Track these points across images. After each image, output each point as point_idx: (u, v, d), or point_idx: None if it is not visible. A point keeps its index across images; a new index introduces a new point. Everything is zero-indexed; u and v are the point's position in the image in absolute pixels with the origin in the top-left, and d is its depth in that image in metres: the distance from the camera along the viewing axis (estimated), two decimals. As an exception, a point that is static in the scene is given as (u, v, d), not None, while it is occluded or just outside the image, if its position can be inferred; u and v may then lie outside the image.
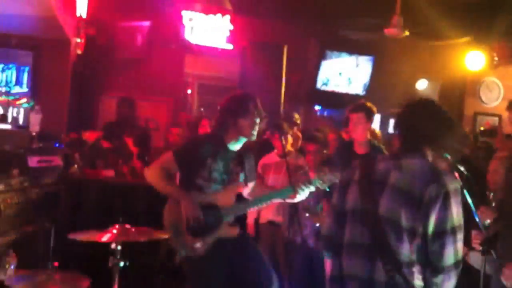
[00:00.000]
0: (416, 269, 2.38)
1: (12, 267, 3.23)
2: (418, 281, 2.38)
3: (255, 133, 3.72)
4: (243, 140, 3.75)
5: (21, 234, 4.37)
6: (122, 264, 3.10)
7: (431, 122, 2.53)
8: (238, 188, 3.77)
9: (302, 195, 3.78)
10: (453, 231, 2.34)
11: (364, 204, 2.50)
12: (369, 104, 4.61)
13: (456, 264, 2.36)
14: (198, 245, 3.52)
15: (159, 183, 3.59)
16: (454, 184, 2.40)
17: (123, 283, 3.12)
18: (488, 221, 4.14)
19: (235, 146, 3.75)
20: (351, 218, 2.54)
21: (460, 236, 2.36)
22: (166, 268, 4.96)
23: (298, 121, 6.59)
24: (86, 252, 4.16)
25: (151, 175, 3.62)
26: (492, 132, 6.89)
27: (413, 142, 2.51)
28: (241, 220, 5.20)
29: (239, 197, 3.87)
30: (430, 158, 2.49)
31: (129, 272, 3.15)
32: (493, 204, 4.21)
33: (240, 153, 3.80)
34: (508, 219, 4.00)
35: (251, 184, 3.90)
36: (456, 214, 2.36)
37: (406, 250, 2.37)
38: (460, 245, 2.36)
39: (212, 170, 3.63)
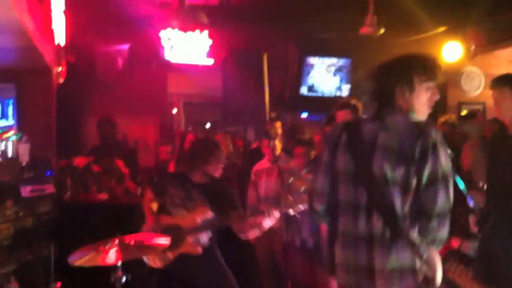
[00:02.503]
0: (411, 222, 2.51)
1: (15, 294, 3.23)
2: (414, 233, 2.51)
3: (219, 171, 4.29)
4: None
5: (21, 263, 4.38)
6: (124, 279, 3.12)
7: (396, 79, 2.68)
8: (203, 213, 4.09)
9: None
10: (444, 177, 2.48)
11: (357, 166, 2.61)
12: (354, 101, 4.67)
13: (448, 210, 2.50)
14: (158, 259, 3.98)
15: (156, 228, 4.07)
16: (438, 134, 2.53)
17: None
18: (480, 204, 4.22)
19: (201, 180, 4.25)
20: (343, 179, 2.66)
21: (450, 182, 2.50)
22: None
23: (279, 130, 6.58)
24: (87, 271, 4.16)
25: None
26: (471, 114, 6.95)
27: (387, 99, 2.65)
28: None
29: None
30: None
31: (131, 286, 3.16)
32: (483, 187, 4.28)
33: (209, 184, 4.27)
34: (494, 200, 4.09)
35: (235, 214, 4.25)
36: (444, 161, 2.49)
37: (401, 205, 2.50)
38: (451, 190, 2.50)
39: (173, 196, 4.18)
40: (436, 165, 2.47)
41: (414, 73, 2.66)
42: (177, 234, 4.01)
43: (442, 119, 6.17)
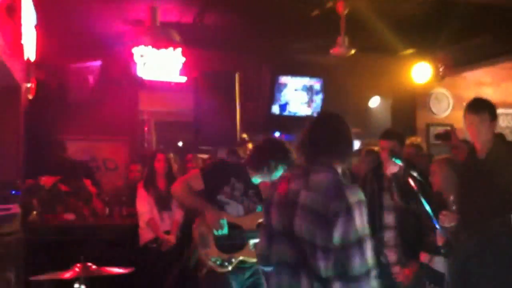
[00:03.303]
0: (336, 283, 2.42)
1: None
2: None
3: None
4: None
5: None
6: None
7: (330, 134, 2.65)
8: (259, 217, 3.82)
9: None
10: (359, 241, 2.41)
11: (283, 225, 2.59)
12: None
13: (366, 272, 2.41)
14: (226, 261, 3.88)
15: (186, 196, 4.10)
16: (356, 196, 2.47)
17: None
18: (452, 224, 4.26)
19: (256, 180, 3.96)
20: (276, 238, 2.63)
21: (367, 244, 2.44)
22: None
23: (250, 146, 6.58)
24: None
25: (178, 190, 4.13)
26: (446, 135, 7.05)
27: (315, 154, 2.61)
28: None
29: None
30: (339, 170, 2.60)
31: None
32: (453, 208, 4.32)
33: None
34: (466, 224, 4.12)
35: None
36: (360, 225, 2.43)
37: (324, 266, 2.43)
38: (368, 253, 2.44)
39: (234, 188, 4.03)
40: (350, 229, 2.40)
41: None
42: (240, 235, 3.92)
43: (408, 140, 6.24)
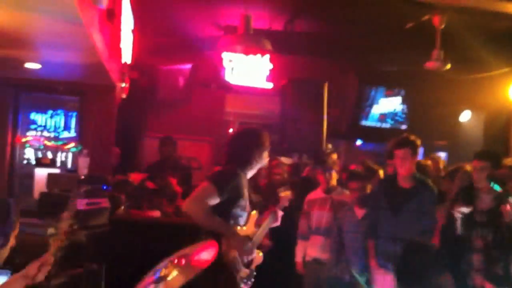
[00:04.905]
0: None
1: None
2: None
3: None
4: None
5: (71, 277, 4.44)
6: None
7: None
8: (254, 220, 3.74)
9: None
10: None
11: None
12: (413, 137, 4.57)
13: None
14: (250, 276, 3.61)
15: (206, 218, 3.49)
16: None
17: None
18: None
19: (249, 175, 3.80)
20: None
21: None
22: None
23: (336, 161, 6.46)
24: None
25: (195, 209, 3.51)
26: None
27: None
28: (289, 258, 5.21)
29: None
30: None
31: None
32: None
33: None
34: None
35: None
36: None
37: None
38: None
39: (247, 199, 3.67)
40: None
41: None
42: (253, 246, 3.66)
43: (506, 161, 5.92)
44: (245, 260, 3.59)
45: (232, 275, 3.53)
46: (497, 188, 4.16)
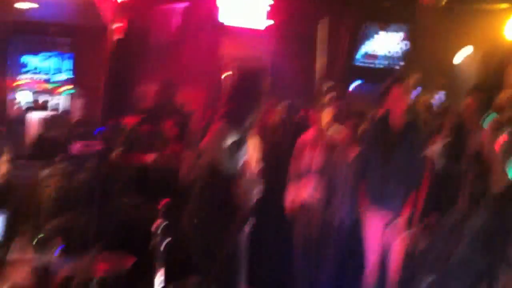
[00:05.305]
0: None
1: (57, 250, 3.32)
2: None
3: None
4: None
5: (66, 218, 4.49)
6: (164, 243, 3.14)
7: None
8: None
9: None
10: None
11: None
12: (408, 74, 4.52)
13: None
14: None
15: (223, 158, 3.56)
16: None
17: (167, 261, 3.16)
18: None
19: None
20: None
21: None
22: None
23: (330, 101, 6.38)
24: (128, 234, 4.24)
25: (213, 150, 3.61)
26: None
27: None
28: (279, 201, 5.21)
29: None
30: None
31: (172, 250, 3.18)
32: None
33: None
34: None
35: None
36: None
37: None
38: None
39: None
40: None
41: None
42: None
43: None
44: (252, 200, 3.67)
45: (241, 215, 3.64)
46: (491, 117, 4.09)
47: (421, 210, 4.30)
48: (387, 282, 4.40)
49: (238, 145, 3.67)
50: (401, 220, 4.35)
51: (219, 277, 3.55)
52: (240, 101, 3.78)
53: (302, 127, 5.54)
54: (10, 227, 3.04)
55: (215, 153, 3.59)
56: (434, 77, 9.71)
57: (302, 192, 5.14)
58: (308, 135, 5.28)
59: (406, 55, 9.64)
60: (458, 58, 9.98)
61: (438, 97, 9.00)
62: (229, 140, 3.58)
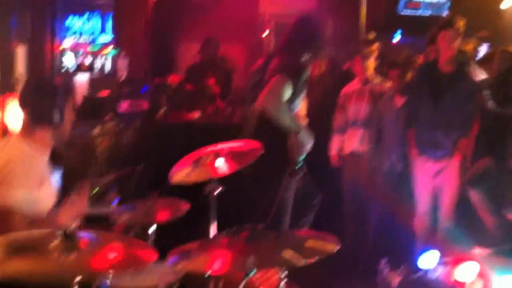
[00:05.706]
0: None
1: (115, 202, 3.41)
2: None
3: None
4: None
5: (118, 175, 4.60)
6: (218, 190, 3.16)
7: None
8: None
9: None
10: None
11: None
12: (459, 18, 4.39)
13: None
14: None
15: (281, 113, 3.54)
16: None
17: (220, 209, 3.20)
18: None
19: None
20: None
21: None
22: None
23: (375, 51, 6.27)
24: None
25: (271, 104, 3.56)
26: None
27: None
28: (324, 152, 5.20)
29: None
30: None
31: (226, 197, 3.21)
32: None
33: None
34: None
35: None
36: None
37: None
38: None
39: None
40: None
41: None
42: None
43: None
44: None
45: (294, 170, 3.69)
46: None
47: (471, 156, 4.23)
48: (438, 228, 4.39)
49: (294, 98, 3.65)
50: (451, 167, 4.31)
51: (269, 227, 3.61)
52: (298, 52, 3.71)
53: (346, 79, 5.49)
54: (66, 183, 3.11)
55: (273, 107, 3.55)
56: (480, 26, 9.40)
57: (348, 143, 5.14)
58: (352, 86, 5.24)
59: (451, 4, 9.32)
60: (503, 8, 9.61)
61: (482, 48, 8.72)
62: (287, 93, 3.54)
